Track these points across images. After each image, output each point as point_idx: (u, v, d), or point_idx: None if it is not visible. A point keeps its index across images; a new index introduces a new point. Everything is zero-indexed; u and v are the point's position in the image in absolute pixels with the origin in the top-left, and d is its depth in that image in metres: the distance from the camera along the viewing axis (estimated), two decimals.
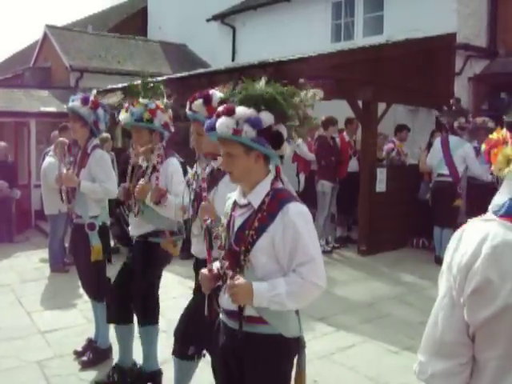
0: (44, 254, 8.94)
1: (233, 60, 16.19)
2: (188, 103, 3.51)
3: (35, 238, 11.03)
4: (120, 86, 11.83)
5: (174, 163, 4.41)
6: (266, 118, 2.51)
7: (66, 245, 8.52)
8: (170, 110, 4.48)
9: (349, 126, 10.02)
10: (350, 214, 10.01)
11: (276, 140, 2.55)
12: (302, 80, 8.36)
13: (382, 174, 9.24)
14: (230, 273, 2.51)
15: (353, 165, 9.76)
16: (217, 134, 2.58)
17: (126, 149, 10.61)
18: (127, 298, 4.44)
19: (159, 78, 11.13)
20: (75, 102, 4.85)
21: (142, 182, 4.32)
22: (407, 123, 10.55)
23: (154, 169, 4.36)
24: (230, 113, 2.52)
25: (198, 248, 3.49)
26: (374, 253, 9.08)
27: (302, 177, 10.02)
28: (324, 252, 9.15)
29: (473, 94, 11.21)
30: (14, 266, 8.86)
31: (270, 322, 2.56)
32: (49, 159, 7.92)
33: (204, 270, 2.72)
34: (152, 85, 4.55)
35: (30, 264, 8.97)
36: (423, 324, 5.61)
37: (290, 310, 2.60)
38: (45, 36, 17.42)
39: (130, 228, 4.59)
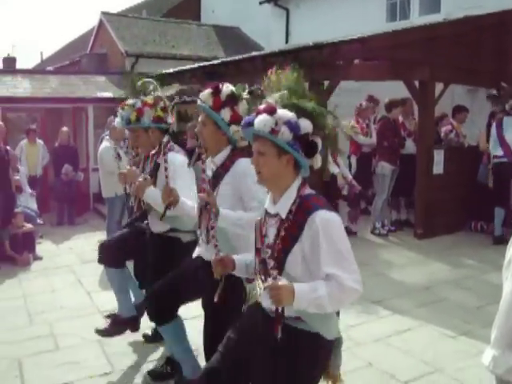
0: (102, 235, 9.15)
1: (286, 42, 16.08)
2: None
3: (94, 220, 11.33)
4: (171, 70, 11.99)
5: (175, 159, 4.18)
6: (305, 124, 2.53)
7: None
8: (161, 102, 4.36)
9: (403, 106, 9.81)
10: (405, 196, 9.84)
11: (310, 149, 2.56)
12: (357, 61, 8.27)
13: (439, 156, 9.03)
14: (274, 273, 2.47)
15: (408, 147, 9.57)
16: (253, 131, 2.58)
17: (182, 132, 10.71)
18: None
19: (214, 62, 11.23)
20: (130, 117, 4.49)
21: (141, 178, 4.17)
22: (466, 104, 10.25)
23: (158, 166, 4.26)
24: (270, 112, 2.51)
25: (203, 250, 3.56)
26: (430, 236, 8.91)
27: (354, 159, 9.90)
28: (380, 235, 9.09)
29: None
30: (73, 248, 9.13)
31: (310, 323, 2.57)
32: (105, 143, 8.07)
33: (216, 256, 2.78)
34: (146, 79, 4.51)
35: (89, 246, 9.19)
36: (480, 309, 5.60)
37: (331, 312, 2.58)
38: (100, 23, 17.70)
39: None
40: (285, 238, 2.52)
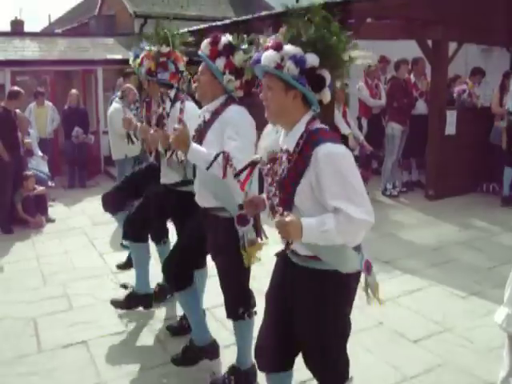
0: None
1: (297, 1, 15.79)
2: None
3: (105, 182, 11.33)
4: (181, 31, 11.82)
5: (189, 107, 4.11)
6: (311, 59, 2.49)
7: None
8: (162, 58, 4.31)
9: (415, 66, 9.66)
10: (416, 157, 9.76)
11: (317, 83, 2.52)
12: (369, 20, 8.13)
13: (451, 117, 8.93)
14: (280, 209, 2.50)
15: (420, 107, 9.46)
16: (261, 67, 2.59)
17: (189, 93, 10.61)
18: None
19: (224, 22, 11.06)
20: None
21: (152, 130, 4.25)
22: (479, 64, 10.10)
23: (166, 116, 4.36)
24: (277, 48, 2.51)
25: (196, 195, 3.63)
26: (441, 197, 8.88)
27: (364, 121, 9.82)
28: (391, 196, 9.06)
29: None
30: (85, 210, 9.19)
31: (325, 260, 2.57)
32: (115, 105, 8.03)
33: (245, 198, 2.79)
34: (165, 31, 4.43)
35: (101, 208, 9.22)
36: (491, 270, 5.58)
37: (347, 248, 2.57)
38: None
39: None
40: (291, 172, 2.54)
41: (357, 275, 2.70)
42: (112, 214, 5.65)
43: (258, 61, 2.58)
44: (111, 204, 5.44)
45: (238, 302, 3.62)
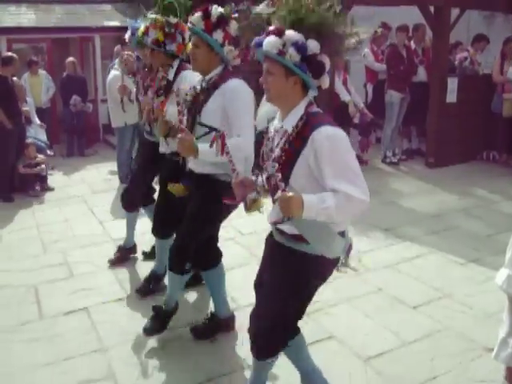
0: (112, 166, 9.19)
1: None
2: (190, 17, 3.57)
3: (103, 151, 11.32)
4: None
5: (188, 76, 4.19)
6: (313, 45, 2.55)
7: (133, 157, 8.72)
8: (169, 28, 4.27)
9: (415, 33, 9.56)
10: (416, 125, 9.71)
11: (317, 69, 2.59)
12: None
13: (453, 84, 8.84)
14: (282, 185, 2.52)
15: (420, 74, 9.38)
16: (262, 52, 2.62)
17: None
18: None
19: None
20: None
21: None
22: (482, 31, 9.98)
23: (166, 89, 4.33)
24: (279, 33, 2.55)
25: (194, 162, 3.61)
26: (441, 165, 8.86)
27: (370, 87, 9.74)
28: (391, 164, 9.05)
29: None
30: (85, 179, 9.17)
31: (312, 243, 2.66)
32: (113, 72, 7.95)
33: (235, 179, 2.79)
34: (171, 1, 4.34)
35: (100, 176, 9.26)
36: (491, 237, 5.59)
37: (335, 235, 2.69)
38: None
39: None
40: (289, 151, 2.60)
41: (337, 260, 2.82)
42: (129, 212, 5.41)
43: (260, 45, 2.61)
44: (132, 203, 5.29)
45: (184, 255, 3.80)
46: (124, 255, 5.48)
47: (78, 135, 11.13)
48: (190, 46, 3.74)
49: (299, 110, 2.64)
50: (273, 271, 2.88)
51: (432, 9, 8.74)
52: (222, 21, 3.50)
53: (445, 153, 8.89)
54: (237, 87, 3.49)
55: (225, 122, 3.46)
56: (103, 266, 5.38)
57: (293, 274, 2.75)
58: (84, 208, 7.49)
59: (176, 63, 4.39)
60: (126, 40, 4.73)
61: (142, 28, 4.40)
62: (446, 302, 4.55)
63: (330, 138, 2.51)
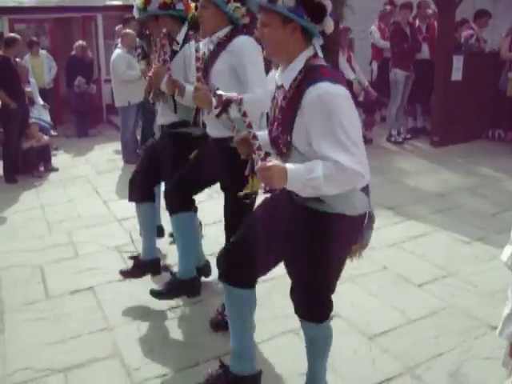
0: (116, 146, 9.18)
1: None
2: None
3: (107, 131, 11.30)
4: None
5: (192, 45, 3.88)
6: None
7: (138, 137, 8.72)
8: None
9: (419, 10, 9.46)
10: (421, 103, 9.64)
11: (317, 12, 2.32)
12: None
13: (458, 62, 8.75)
14: (261, 154, 2.33)
15: (424, 52, 9.29)
16: (255, 2, 2.45)
17: None
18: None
19: None
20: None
21: (154, 65, 4.01)
22: (488, 8, 9.85)
23: (174, 54, 4.04)
24: None
25: (212, 127, 3.57)
26: (447, 144, 8.81)
27: (375, 65, 9.67)
28: (396, 142, 9.01)
29: None
30: (89, 159, 9.18)
31: (331, 204, 2.43)
32: (117, 51, 7.92)
33: (236, 137, 2.66)
34: None
35: (104, 156, 9.25)
36: (496, 216, 5.56)
37: (355, 190, 2.43)
38: None
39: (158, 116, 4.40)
40: (285, 110, 2.41)
41: (363, 217, 2.58)
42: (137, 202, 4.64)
43: None
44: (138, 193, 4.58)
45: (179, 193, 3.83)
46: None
47: (82, 116, 11.11)
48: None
49: (298, 63, 2.39)
50: (295, 237, 2.60)
51: None
52: None
53: (450, 131, 8.83)
54: (244, 43, 3.38)
55: (234, 83, 3.35)
56: (108, 246, 5.40)
57: (319, 236, 2.51)
58: (88, 188, 7.49)
59: (185, 28, 4.09)
60: (135, 16, 4.44)
61: (140, 3, 4.06)
62: (451, 280, 4.54)
63: (325, 95, 2.24)
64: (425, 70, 9.00)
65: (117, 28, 9.58)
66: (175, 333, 3.92)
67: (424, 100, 9.36)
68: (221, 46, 3.44)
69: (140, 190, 4.41)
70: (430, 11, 9.48)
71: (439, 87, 8.79)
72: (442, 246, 5.23)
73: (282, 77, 2.48)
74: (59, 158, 9.11)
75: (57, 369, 3.53)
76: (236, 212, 3.51)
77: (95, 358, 3.63)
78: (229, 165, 3.38)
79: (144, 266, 4.55)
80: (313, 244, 2.53)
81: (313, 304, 2.73)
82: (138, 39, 7.21)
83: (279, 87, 2.51)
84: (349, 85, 8.34)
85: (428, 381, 3.31)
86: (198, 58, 3.21)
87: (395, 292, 4.38)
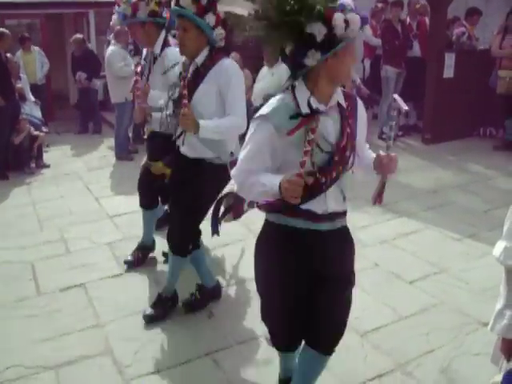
0: (108, 143, 9.16)
1: None
2: None
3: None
4: None
5: (173, 53, 4.26)
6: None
7: (130, 134, 8.70)
8: None
9: (409, 7, 9.48)
10: (413, 101, 9.65)
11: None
12: None
13: (450, 60, 8.77)
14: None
15: (415, 49, 9.32)
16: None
17: None
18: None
19: None
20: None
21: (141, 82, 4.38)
22: (480, 6, 9.86)
23: (154, 59, 4.41)
24: None
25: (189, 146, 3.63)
26: (438, 141, 8.83)
27: (367, 63, 9.68)
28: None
29: None
30: (80, 156, 9.13)
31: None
32: (111, 47, 7.88)
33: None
34: None
35: (96, 153, 9.22)
36: (487, 213, 5.58)
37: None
38: None
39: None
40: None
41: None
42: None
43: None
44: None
45: (188, 239, 3.88)
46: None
47: (91, 113, 10.89)
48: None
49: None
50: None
51: None
52: (213, 2, 3.43)
53: (441, 129, 8.85)
54: (231, 66, 3.51)
55: (219, 104, 3.48)
56: (100, 243, 5.39)
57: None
58: (80, 185, 7.47)
59: (163, 35, 4.37)
60: (115, 24, 4.63)
61: (127, 10, 4.31)
62: (442, 277, 4.57)
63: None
64: (416, 67, 9.02)
65: (111, 23, 9.51)
66: (167, 330, 3.91)
67: (416, 97, 9.37)
68: (205, 67, 3.50)
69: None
70: (419, 5, 9.48)
71: (431, 85, 8.80)
72: (433, 242, 5.25)
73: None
74: (51, 155, 9.05)
75: (48, 366, 3.53)
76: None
77: (86, 355, 3.63)
78: (203, 180, 3.61)
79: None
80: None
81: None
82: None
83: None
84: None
85: (419, 377, 3.33)
86: (184, 86, 3.35)
87: (387, 289, 4.40)
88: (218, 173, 3.54)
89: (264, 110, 2.36)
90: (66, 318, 4.08)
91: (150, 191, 4.73)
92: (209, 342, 3.71)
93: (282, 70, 5.44)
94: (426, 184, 6.99)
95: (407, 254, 4.99)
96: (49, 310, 4.20)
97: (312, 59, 2.25)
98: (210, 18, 3.41)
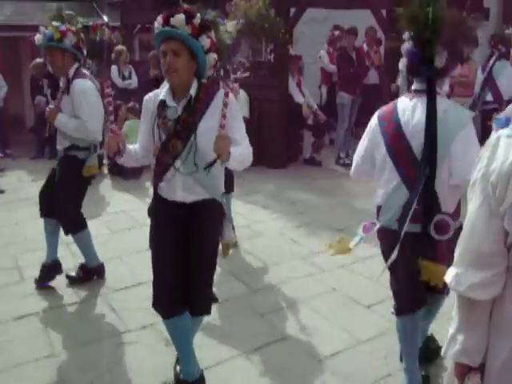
0: None
1: None
2: (161, 19, 3.03)
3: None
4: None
5: (78, 84, 4.67)
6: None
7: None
8: (82, 35, 4.80)
9: (367, 36, 9.73)
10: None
11: None
12: None
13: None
14: None
15: (371, 76, 9.52)
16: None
17: (145, 61, 10.43)
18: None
19: None
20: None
21: (51, 105, 4.82)
22: None
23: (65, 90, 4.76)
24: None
25: (188, 190, 3.21)
26: None
27: (324, 89, 9.85)
28: (344, 165, 9.13)
29: (503, 4, 10.72)
30: (36, 180, 8.93)
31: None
32: None
33: None
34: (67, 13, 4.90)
35: None
36: None
37: None
38: None
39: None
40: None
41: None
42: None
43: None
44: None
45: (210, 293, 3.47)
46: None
47: (40, 137, 10.70)
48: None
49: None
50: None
51: (384, 12, 8.87)
52: (205, 24, 3.10)
53: None
54: (231, 98, 3.14)
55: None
56: None
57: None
58: (35, 211, 7.22)
59: (75, 66, 4.77)
60: (38, 43, 4.79)
61: (56, 34, 4.62)
62: None
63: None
64: (373, 94, 9.21)
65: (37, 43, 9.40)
66: (124, 358, 3.85)
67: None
68: (201, 102, 3.12)
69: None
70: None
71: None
72: None
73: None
74: (5, 180, 8.88)
75: None
76: None
77: None
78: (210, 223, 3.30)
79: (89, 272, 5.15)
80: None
81: None
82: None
83: None
84: (298, 108, 8.49)
85: None
86: (193, 112, 3.12)
87: (345, 313, 4.43)
88: (219, 213, 3.31)
89: None
90: (19, 348, 3.98)
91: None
92: (166, 369, 3.66)
93: None
94: None
95: (364, 279, 5.05)
96: (2, 340, 4.08)
97: None
98: (205, 41, 3.06)
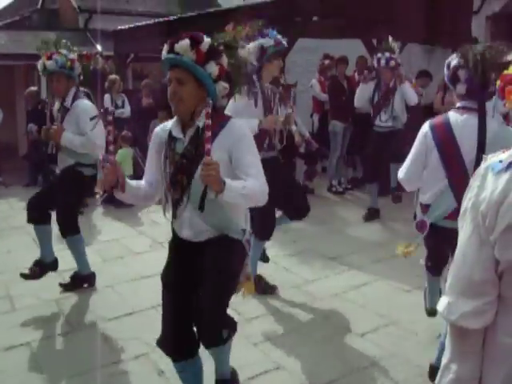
0: None
1: None
2: (167, 45, 2.90)
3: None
4: (126, 27, 11.70)
5: (81, 104, 5.17)
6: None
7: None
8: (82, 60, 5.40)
9: (358, 65, 9.85)
10: (360, 155, 9.91)
11: None
12: (315, 18, 8.21)
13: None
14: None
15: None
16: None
17: (138, 90, 10.51)
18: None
19: (171, 18, 10.98)
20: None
21: (55, 126, 5.14)
22: (422, 64, 10.32)
23: (66, 111, 5.19)
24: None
25: (185, 230, 3.09)
26: (386, 194, 9.02)
27: (316, 117, 9.93)
28: (337, 193, 9.17)
29: (491, 33, 10.91)
30: None
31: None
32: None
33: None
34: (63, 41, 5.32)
35: None
36: None
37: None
38: None
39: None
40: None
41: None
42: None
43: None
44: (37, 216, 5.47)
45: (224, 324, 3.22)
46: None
47: (33, 164, 10.73)
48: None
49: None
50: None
51: (375, 42, 9.02)
52: (214, 51, 2.93)
53: (389, 181, 9.05)
54: (243, 127, 3.03)
55: (230, 170, 2.91)
56: (47, 299, 5.24)
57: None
58: (27, 239, 7.27)
59: (74, 89, 5.24)
60: (51, 67, 5.12)
61: (67, 62, 5.10)
62: (393, 329, 4.62)
63: None
64: (364, 122, 9.28)
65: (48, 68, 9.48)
66: None
67: (362, 151, 9.62)
68: (212, 131, 2.71)
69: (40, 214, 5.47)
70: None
71: None
72: (382, 295, 5.32)
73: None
74: None
75: None
76: None
77: None
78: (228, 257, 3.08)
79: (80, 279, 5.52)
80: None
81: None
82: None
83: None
84: (290, 136, 8.52)
85: None
86: (208, 151, 2.69)
87: (338, 342, 4.41)
88: (233, 252, 3.09)
89: None
90: (10, 379, 3.93)
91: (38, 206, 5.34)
92: None
93: None
94: (375, 236, 7.12)
95: (357, 307, 5.04)
96: None
97: None
98: (212, 68, 2.89)
